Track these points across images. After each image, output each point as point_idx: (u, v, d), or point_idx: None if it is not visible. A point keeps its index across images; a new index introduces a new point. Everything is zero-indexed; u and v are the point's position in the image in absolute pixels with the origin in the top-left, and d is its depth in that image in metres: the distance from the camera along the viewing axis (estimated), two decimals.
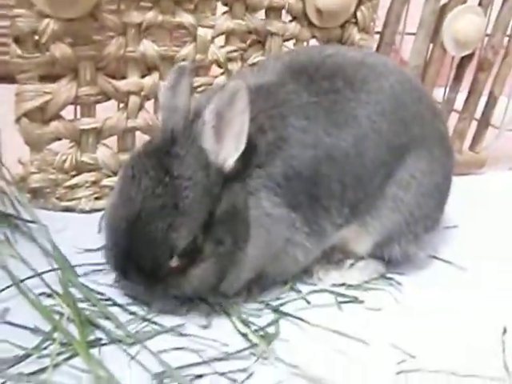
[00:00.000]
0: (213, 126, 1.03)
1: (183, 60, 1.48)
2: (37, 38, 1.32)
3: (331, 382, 1.01)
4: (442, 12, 1.76)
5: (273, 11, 1.55)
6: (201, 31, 1.47)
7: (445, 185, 1.36)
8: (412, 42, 1.79)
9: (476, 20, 1.75)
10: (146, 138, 1.50)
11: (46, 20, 1.30)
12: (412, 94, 1.29)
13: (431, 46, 1.81)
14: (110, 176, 1.50)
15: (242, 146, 1.05)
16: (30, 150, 1.41)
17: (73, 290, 1.14)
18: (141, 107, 1.48)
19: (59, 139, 1.43)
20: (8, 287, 1.13)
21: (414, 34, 1.78)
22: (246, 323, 1.12)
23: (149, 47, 1.43)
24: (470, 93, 1.94)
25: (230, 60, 1.53)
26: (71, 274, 1.20)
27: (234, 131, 1.04)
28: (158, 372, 0.98)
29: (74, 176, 1.46)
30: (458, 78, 1.89)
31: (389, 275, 1.35)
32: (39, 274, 1.17)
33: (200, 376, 0.99)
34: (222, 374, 1.00)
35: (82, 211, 1.48)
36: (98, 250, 1.30)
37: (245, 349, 1.06)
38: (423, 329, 1.18)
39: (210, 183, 1.03)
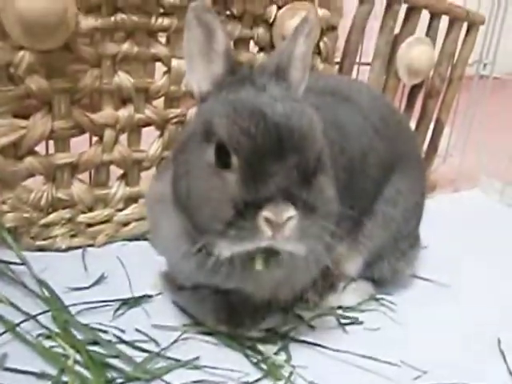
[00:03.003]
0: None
1: (157, 92, 1.46)
2: (12, 70, 1.26)
3: None
4: (395, 43, 1.84)
5: (242, 42, 1.57)
6: (175, 62, 1.46)
7: (422, 203, 1.42)
8: (368, 73, 1.85)
9: (427, 49, 1.85)
10: (120, 171, 1.48)
11: (22, 52, 1.26)
12: (394, 117, 1.35)
13: (385, 76, 1.88)
14: (84, 212, 1.45)
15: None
16: (3, 188, 1.34)
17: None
18: (116, 140, 1.45)
19: (33, 175, 1.36)
20: (4, 333, 1.05)
21: (369, 64, 1.85)
22: (257, 352, 1.10)
23: (124, 79, 1.41)
24: (420, 119, 2.03)
25: None
26: (66, 314, 1.13)
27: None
28: None
29: (48, 213, 1.40)
30: (410, 106, 1.98)
31: (378, 296, 1.37)
32: (34, 317, 1.11)
33: None
34: None
35: (58, 250, 1.41)
36: (86, 288, 1.25)
37: (263, 377, 1.04)
38: (426, 344, 1.21)
39: None
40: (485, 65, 2.13)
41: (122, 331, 1.12)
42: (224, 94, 0.99)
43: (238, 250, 0.93)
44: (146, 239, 1.51)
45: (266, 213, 0.88)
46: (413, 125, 2.03)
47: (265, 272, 0.99)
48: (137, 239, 1.52)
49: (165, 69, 1.48)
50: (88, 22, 1.32)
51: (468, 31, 1.98)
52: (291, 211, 0.90)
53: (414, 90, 1.97)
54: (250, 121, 0.92)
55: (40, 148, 1.38)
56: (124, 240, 1.51)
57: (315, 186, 0.96)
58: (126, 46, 1.39)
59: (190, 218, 0.98)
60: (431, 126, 2.07)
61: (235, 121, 0.92)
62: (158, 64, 1.47)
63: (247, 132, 0.91)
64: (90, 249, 1.45)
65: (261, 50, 1.62)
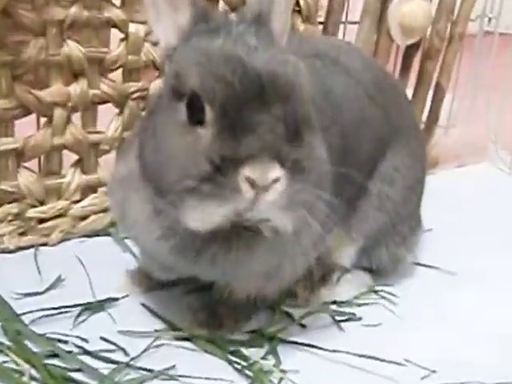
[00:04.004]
0: None
1: (114, 63, 1.46)
2: None
3: None
4: None
5: (210, 2, 1.56)
6: (132, 28, 1.46)
7: (423, 180, 1.43)
8: (356, 33, 1.86)
9: (422, 4, 1.86)
10: (74, 157, 1.47)
11: None
12: (388, 82, 1.36)
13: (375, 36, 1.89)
14: (35, 206, 1.44)
15: None
16: None
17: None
18: (68, 121, 1.44)
19: None
20: None
21: (357, 22, 1.85)
22: (241, 357, 1.11)
23: (74, 49, 1.40)
24: (417, 85, 2.04)
25: None
26: (18, 323, 1.13)
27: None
28: None
29: None
30: (405, 69, 1.99)
31: (377, 288, 1.38)
32: None
33: None
34: None
35: (6, 251, 1.40)
36: (41, 293, 1.25)
37: None
38: (432, 340, 1.23)
39: None
40: (489, 19, 2.14)
41: (85, 340, 1.12)
42: (194, 43, 0.98)
43: (209, 217, 0.89)
44: (107, 234, 1.51)
45: (246, 171, 0.86)
46: (409, 91, 2.03)
47: (249, 259, 1.00)
48: (97, 235, 1.52)
49: (121, 36, 1.47)
50: None
51: None
52: (277, 170, 0.88)
53: (410, 51, 1.98)
54: (226, 67, 0.90)
55: None
56: (82, 236, 1.51)
57: (305, 142, 0.94)
58: (74, 10, 1.37)
59: (158, 184, 0.96)
60: (430, 93, 2.07)
61: (208, 67, 0.91)
62: (114, 31, 1.46)
63: (223, 78, 0.89)
64: (42, 248, 1.44)
65: (232, 10, 1.61)
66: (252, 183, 0.86)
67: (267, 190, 0.87)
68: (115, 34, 1.47)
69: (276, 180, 0.88)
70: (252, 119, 0.89)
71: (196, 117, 0.92)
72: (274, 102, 0.90)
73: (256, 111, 0.89)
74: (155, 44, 1.50)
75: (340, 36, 1.85)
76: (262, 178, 0.86)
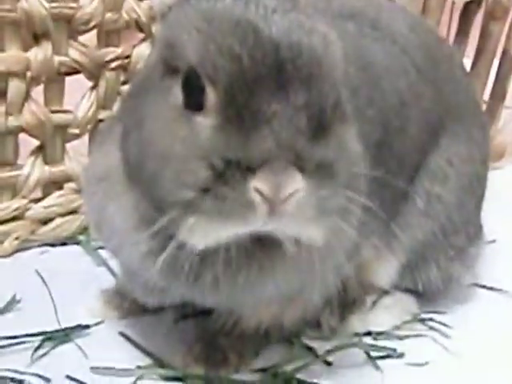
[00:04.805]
0: None
1: (87, 23, 1.46)
2: None
3: None
4: None
5: None
6: None
7: (484, 177, 1.44)
8: None
9: None
10: (35, 143, 1.48)
11: None
12: (442, 51, 1.36)
13: None
14: None
15: None
16: None
17: None
18: (27, 97, 1.45)
19: None
20: None
21: None
22: None
23: (35, 3, 1.40)
24: (478, 53, 2.04)
25: (154, 20, 1.52)
26: None
27: None
28: None
29: None
30: (463, 34, 1.99)
31: (424, 316, 1.39)
32: None
33: None
34: None
35: None
36: None
37: None
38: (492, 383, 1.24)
39: None
40: None
41: (47, 380, 1.13)
42: (194, 2, 0.97)
43: (219, 235, 0.90)
44: (76, 243, 1.52)
45: (257, 181, 0.86)
46: (468, 62, 2.04)
47: (263, 281, 1.00)
48: (63, 243, 1.53)
49: None
50: None
51: None
52: (296, 181, 0.87)
53: (469, 8, 1.99)
54: (234, 35, 0.89)
55: None
56: (44, 245, 1.52)
57: (333, 138, 0.94)
58: None
59: (146, 189, 0.97)
60: (495, 63, 2.08)
61: (211, 35, 0.90)
62: None
63: (229, 51, 0.88)
64: None
65: None
66: (265, 196, 0.86)
67: (285, 203, 0.87)
68: None
69: (294, 192, 0.87)
70: (266, 108, 0.87)
71: (194, 100, 0.91)
72: (295, 84, 0.89)
73: (271, 97, 0.88)
74: None
75: None
76: (276, 192, 0.86)
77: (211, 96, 0.88)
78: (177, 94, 0.92)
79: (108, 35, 1.52)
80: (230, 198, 0.85)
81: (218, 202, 0.86)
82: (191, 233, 0.89)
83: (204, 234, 0.89)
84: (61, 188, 1.55)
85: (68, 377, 1.14)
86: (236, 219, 0.87)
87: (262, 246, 0.95)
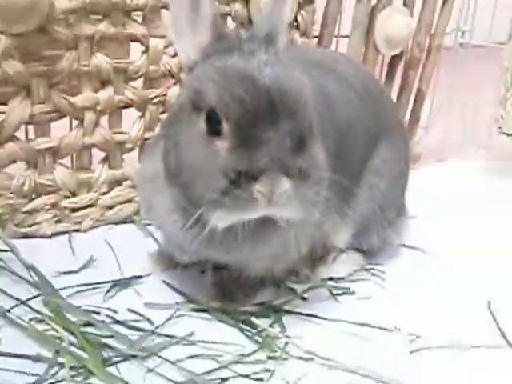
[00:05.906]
0: None
1: (136, 72, 1.47)
2: None
3: (355, 367, 1.03)
4: (373, 13, 1.86)
5: (220, 18, 1.57)
6: (152, 41, 1.47)
7: (407, 172, 1.45)
8: (347, 45, 1.87)
9: (405, 19, 1.87)
10: (102, 154, 1.49)
11: None
12: (377, 86, 1.37)
13: (364, 48, 1.90)
14: (68, 197, 1.46)
15: None
16: None
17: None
18: (97, 123, 1.45)
19: (14, 162, 1.37)
20: None
21: (348, 36, 1.86)
22: (251, 325, 1.13)
23: (102, 60, 1.41)
24: (400, 90, 2.05)
25: (182, 70, 1.53)
26: (57, 297, 1.14)
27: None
28: (181, 381, 0.97)
29: (32, 199, 1.40)
30: (390, 77, 2.00)
31: (368, 266, 1.40)
32: (25, 301, 1.12)
33: (225, 379, 0.98)
34: (246, 376, 1.01)
35: (44, 236, 1.42)
36: (75, 272, 1.27)
37: (259, 349, 1.07)
38: (417, 311, 1.24)
39: None
40: (463, 32, 2.16)
41: (115, 312, 1.14)
42: (212, 61, 1.00)
43: (235, 220, 0.96)
44: (132, 222, 1.53)
45: (259, 187, 0.91)
46: (393, 96, 2.05)
47: (263, 244, 1.02)
48: (123, 222, 1.53)
49: (143, 48, 1.48)
50: (63, 4, 1.31)
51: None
52: (285, 184, 0.92)
53: (394, 60, 1.99)
54: (240, 85, 0.93)
55: (20, 134, 1.38)
56: (110, 223, 1.52)
57: (308, 152, 0.97)
58: (102, 27, 1.39)
59: (183, 191, 1.00)
60: (412, 97, 2.09)
61: (224, 86, 0.94)
62: (137, 45, 1.48)
63: (237, 96, 0.92)
64: (75, 234, 1.45)
65: (239, 25, 1.62)
66: (264, 195, 0.91)
67: (278, 198, 0.92)
68: (138, 47, 1.48)
69: (284, 191, 0.92)
70: (263, 134, 0.92)
71: (214, 129, 0.95)
72: (282, 117, 0.94)
73: (266, 127, 0.92)
74: (173, 56, 1.51)
75: (333, 48, 1.85)
76: (272, 192, 0.91)
77: (225, 127, 0.93)
78: (201, 125, 0.96)
79: (151, 81, 1.52)
80: (241, 197, 0.92)
81: (234, 200, 0.92)
82: (218, 220, 0.94)
83: (225, 220, 0.95)
84: (120, 184, 1.55)
85: (129, 309, 1.15)
86: (246, 210, 0.93)
87: (262, 224, 0.99)
